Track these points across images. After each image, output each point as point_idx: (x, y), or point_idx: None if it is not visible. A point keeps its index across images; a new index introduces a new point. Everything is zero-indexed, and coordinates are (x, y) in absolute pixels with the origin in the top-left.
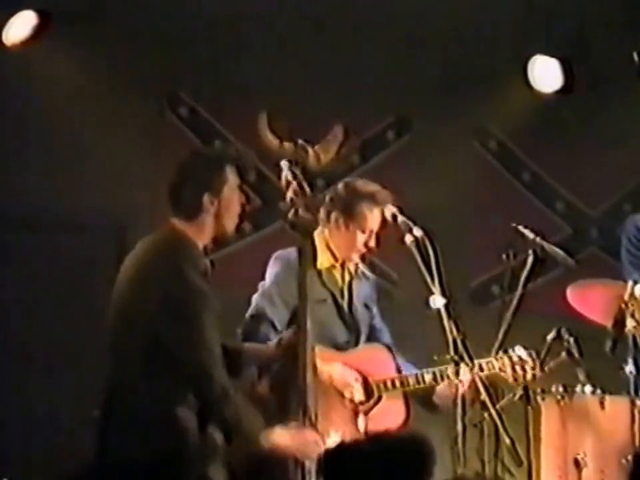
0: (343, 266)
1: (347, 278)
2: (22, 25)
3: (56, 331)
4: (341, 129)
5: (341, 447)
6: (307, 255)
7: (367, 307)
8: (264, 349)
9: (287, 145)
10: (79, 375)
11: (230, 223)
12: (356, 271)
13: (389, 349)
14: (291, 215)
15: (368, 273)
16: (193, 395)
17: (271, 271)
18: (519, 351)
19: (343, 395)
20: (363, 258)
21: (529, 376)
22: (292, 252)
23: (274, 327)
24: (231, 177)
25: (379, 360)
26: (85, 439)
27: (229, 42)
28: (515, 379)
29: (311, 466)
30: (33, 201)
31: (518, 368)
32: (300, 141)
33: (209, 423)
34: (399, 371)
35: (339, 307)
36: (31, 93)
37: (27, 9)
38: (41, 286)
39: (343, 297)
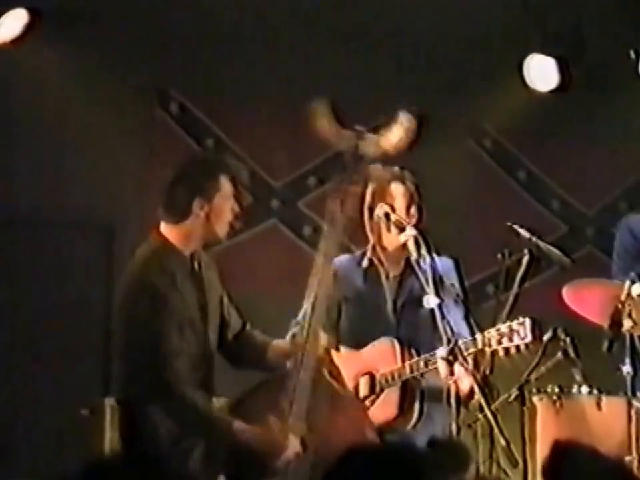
0: (393, 260)
1: (391, 272)
2: (12, 23)
3: (43, 330)
4: (407, 115)
5: (352, 452)
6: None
7: (420, 304)
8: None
9: (346, 132)
10: (66, 373)
11: (220, 230)
12: (406, 264)
13: (400, 342)
14: None
15: (424, 263)
16: (157, 400)
17: None
18: (509, 321)
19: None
20: (427, 245)
21: (513, 349)
22: (342, 259)
23: None
24: (225, 185)
25: (385, 354)
26: (72, 438)
27: (220, 38)
28: (507, 352)
29: (294, 467)
30: (21, 199)
31: (505, 340)
32: (359, 127)
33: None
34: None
35: (378, 305)
36: (20, 91)
37: (17, 7)
38: (29, 284)
39: (386, 293)
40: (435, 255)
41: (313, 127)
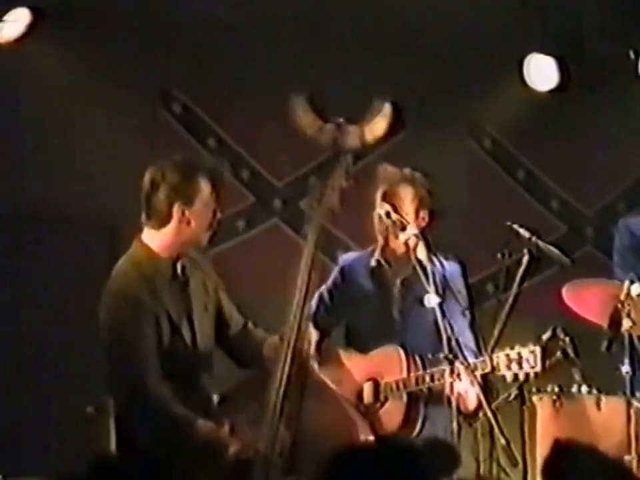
0: (399, 260)
1: (399, 275)
2: (16, 22)
3: (47, 329)
4: (389, 105)
5: (349, 451)
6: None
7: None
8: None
9: (328, 126)
10: (71, 372)
11: (202, 234)
12: (415, 264)
13: (405, 350)
14: None
15: (433, 267)
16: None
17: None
18: (519, 348)
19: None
20: (429, 249)
21: (522, 375)
22: (350, 256)
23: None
24: (204, 188)
25: (390, 362)
26: (77, 436)
27: (222, 38)
28: (515, 377)
29: (274, 460)
30: (24, 199)
31: (515, 366)
32: (341, 120)
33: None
34: (409, 371)
35: (385, 307)
36: (23, 90)
37: (20, 6)
38: (33, 283)
39: (392, 294)
40: (442, 259)
41: (294, 122)
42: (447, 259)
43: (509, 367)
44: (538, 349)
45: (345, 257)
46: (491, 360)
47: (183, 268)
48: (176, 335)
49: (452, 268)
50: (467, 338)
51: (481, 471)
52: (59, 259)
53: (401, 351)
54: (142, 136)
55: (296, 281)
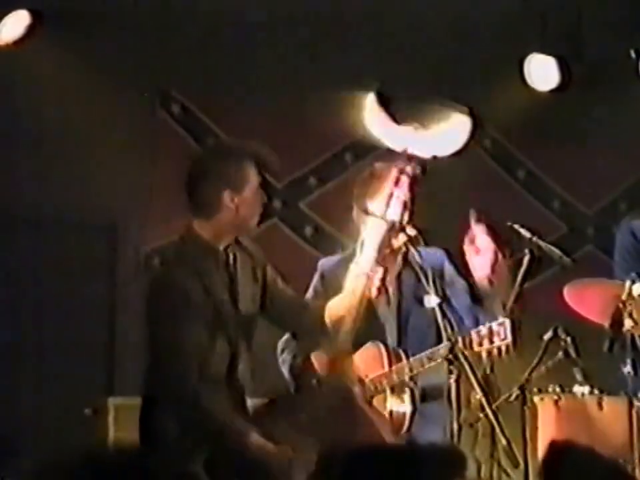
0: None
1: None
2: (14, 24)
3: (47, 329)
4: (460, 113)
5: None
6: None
7: (421, 303)
8: None
9: (404, 128)
10: (70, 373)
11: (252, 220)
12: (405, 258)
13: (385, 345)
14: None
15: (423, 260)
16: (174, 400)
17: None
18: (491, 322)
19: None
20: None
21: (495, 350)
22: (329, 261)
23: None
24: (252, 175)
25: (371, 358)
26: (75, 437)
27: (221, 39)
28: (489, 353)
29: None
30: (24, 199)
31: (486, 342)
32: (416, 124)
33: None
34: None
35: (369, 314)
36: (22, 92)
37: (19, 8)
38: (32, 284)
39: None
40: (421, 249)
41: (361, 120)
42: (427, 246)
43: (480, 344)
44: (507, 321)
45: (324, 262)
46: (463, 339)
47: (234, 257)
48: (222, 329)
49: (437, 254)
50: (468, 316)
51: (482, 471)
52: (59, 259)
53: (381, 346)
54: (141, 136)
55: (294, 281)
